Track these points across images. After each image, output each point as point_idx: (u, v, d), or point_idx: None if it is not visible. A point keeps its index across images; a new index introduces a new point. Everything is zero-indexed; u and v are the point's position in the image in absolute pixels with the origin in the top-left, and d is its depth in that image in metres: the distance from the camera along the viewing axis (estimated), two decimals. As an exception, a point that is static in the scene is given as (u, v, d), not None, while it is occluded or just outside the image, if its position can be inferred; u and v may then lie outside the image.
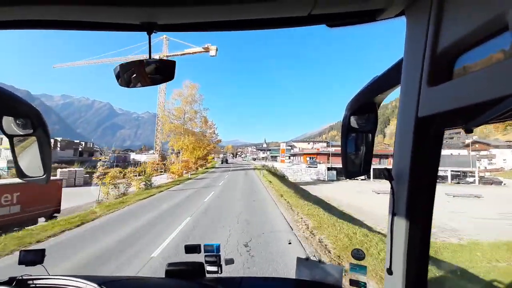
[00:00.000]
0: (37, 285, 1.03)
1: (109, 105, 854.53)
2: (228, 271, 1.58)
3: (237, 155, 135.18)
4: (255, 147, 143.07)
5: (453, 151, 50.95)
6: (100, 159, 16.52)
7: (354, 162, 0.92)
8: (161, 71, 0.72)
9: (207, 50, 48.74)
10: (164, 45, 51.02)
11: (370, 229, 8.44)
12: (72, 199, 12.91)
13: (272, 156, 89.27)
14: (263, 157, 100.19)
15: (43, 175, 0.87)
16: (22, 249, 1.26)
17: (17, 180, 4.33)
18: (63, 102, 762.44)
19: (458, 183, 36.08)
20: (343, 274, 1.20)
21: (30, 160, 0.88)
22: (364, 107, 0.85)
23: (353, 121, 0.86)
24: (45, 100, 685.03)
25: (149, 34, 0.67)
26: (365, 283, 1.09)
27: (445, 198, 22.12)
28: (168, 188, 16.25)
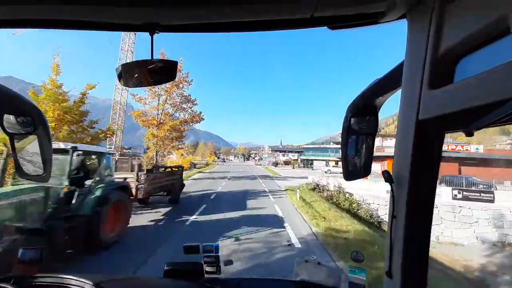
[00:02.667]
0: (34, 284, 1.03)
1: (131, 105, 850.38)
2: (227, 272, 1.37)
3: (250, 158, 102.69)
4: (270, 149, 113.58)
5: None
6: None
7: (354, 165, 0.90)
8: (163, 71, 0.72)
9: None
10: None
11: None
12: None
13: (304, 161, 58.43)
14: (285, 161, 68.71)
15: (43, 174, 0.87)
16: (22, 248, 1.24)
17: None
18: (91, 103, 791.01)
19: None
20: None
21: (30, 158, 0.87)
22: (365, 110, 0.85)
23: (354, 123, 0.86)
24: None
25: (152, 34, 0.67)
26: (364, 286, 1.09)
27: None
28: None
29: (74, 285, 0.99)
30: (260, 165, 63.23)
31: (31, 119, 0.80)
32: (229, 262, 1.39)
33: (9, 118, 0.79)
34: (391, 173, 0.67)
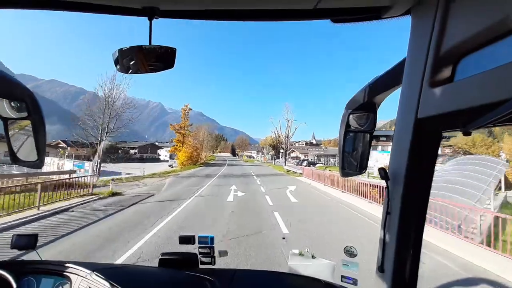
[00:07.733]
0: (28, 270, 1.04)
1: (161, 105, 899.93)
2: (221, 263, 1.47)
3: (279, 154, 52.96)
4: (304, 143, 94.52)
5: None
6: None
7: (352, 161, 0.90)
8: (161, 59, 0.70)
9: None
10: None
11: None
12: None
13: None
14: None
15: (36, 160, 0.86)
16: (15, 233, 1.23)
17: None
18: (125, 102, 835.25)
19: None
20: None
21: (24, 144, 0.87)
22: (364, 107, 0.85)
23: (353, 120, 0.86)
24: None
25: (150, 19, 0.66)
26: (356, 280, 1.11)
27: None
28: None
29: (72, 272, 1.01)
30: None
31: (25, 104, 0.77)
32: (224, 253, 1.40)
33: (2, 102, 0.77)
34: (387, 171, 0.66)
